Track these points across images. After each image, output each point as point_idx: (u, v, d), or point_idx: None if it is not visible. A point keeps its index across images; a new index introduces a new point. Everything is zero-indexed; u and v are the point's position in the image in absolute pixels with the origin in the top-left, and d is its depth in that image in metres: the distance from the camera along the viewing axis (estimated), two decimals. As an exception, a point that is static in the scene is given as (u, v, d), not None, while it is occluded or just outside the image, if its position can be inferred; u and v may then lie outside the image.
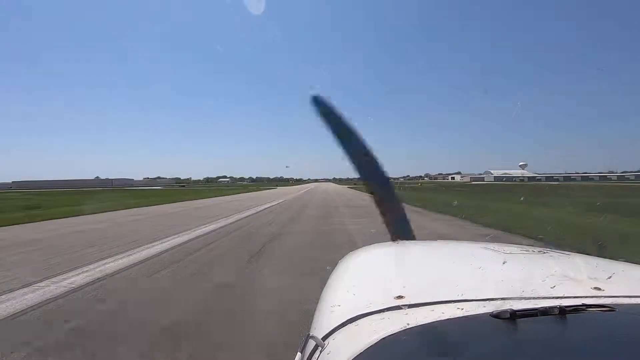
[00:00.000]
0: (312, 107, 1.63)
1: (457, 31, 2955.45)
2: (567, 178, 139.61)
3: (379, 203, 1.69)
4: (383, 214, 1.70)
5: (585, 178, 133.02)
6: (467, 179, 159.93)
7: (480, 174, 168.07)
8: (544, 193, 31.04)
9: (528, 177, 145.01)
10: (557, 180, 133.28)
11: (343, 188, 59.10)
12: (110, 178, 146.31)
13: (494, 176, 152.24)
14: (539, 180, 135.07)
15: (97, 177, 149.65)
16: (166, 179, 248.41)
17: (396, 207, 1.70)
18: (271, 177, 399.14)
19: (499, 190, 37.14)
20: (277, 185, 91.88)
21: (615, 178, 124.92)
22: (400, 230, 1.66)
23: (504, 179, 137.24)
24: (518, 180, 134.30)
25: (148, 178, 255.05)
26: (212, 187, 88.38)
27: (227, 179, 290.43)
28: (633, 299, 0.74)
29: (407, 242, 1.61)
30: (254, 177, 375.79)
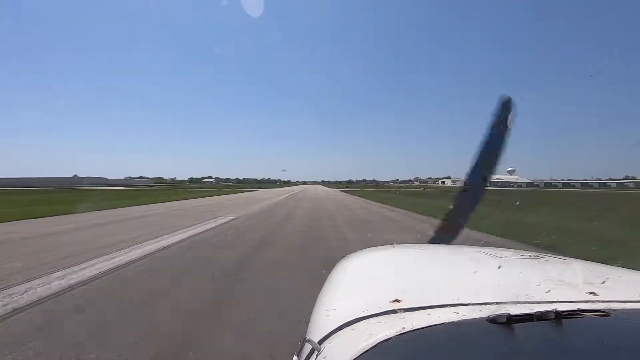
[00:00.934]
0: (498, 106, 1.56)
1: (450, 34, 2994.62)
2: (566, 185, 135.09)
3: (458, 204, 1.67)
4: (450, 213, 1.69)
5: (584, 184, 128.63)
6: (459, 184, 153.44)
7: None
8: (601, 205, 22.79)
9: (525, 183, 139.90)
10: (556, 186, 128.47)
11: (335, 192, 50.10)
12: (82, 176, 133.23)
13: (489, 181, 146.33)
14: (537, 186, 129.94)
15: (75, 175, 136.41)
16: (148, 178, 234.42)
17: (465, 215, 1.67)
18: (259, 178, 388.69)
19: (527, 199, 28.90)
20: (259, 187, 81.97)
21: (615, 185, 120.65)
22: (445, 237, 1.66)
23: (500, 184, 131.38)
24: (516, 185, 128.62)
25: (129, 177, 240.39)
26: (191, 188, 77.95)
27: (212, 180, 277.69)
28: (628, 303, 0.74)
29: (403, 246, 1.61)
30: (241, 178, 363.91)
